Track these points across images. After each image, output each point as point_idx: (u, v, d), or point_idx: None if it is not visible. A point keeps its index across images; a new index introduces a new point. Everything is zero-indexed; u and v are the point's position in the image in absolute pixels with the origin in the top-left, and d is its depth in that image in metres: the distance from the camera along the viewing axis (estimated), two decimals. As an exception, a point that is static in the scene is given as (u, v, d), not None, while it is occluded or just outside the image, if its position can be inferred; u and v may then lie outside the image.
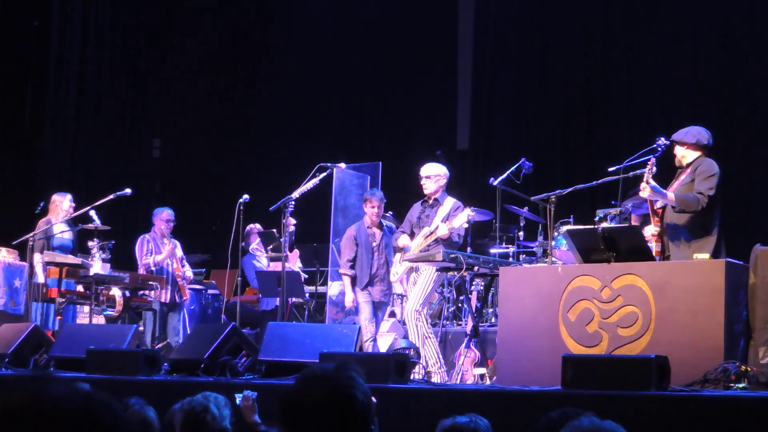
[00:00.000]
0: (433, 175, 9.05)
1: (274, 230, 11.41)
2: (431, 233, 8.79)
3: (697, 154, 7.39)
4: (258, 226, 11.79)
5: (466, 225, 8.75)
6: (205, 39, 16.38)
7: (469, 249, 10.76)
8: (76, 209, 10.80)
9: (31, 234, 10.38)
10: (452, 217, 8.79)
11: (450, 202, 9.00)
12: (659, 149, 7.66)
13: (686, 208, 7.12)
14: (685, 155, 7.42)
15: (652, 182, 7.14)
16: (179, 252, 10.98)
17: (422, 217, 9.07)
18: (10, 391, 1.40)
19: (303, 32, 15.69)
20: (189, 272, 11.13)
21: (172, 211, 11.07)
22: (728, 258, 6.77)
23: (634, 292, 6.53)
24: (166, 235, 10.90)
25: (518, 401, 5.78)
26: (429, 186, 9.04)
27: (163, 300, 10.73)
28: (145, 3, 16.16)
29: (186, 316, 11.11)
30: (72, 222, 10.85)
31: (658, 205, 7.37)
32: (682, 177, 7.38)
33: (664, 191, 7.18)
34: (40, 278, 10.33)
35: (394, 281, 9.30)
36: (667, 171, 7.69)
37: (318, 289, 11.95)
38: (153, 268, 10.79)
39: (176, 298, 10.84)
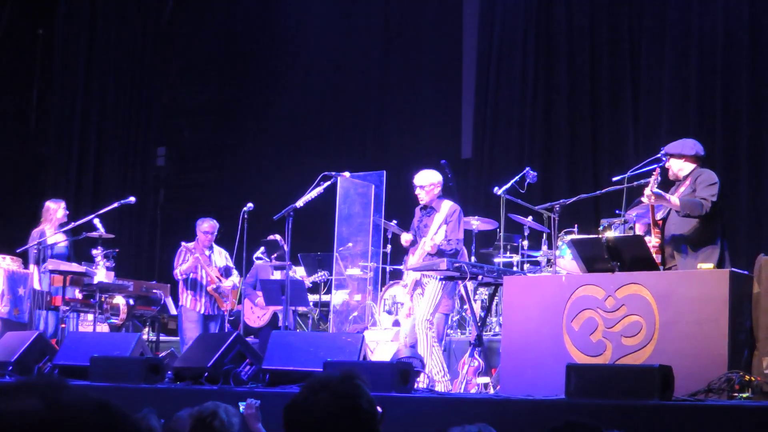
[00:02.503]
0: (426, 184, 8.98)
1: (279, 239, 11.41)
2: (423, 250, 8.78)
3: (694, 165, 7.44)
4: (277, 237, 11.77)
5: (452, 236, 8.69)
6: (209, 48, 16.42)
7: (473, 258, 10.75)
8: (80, 217, 10.81)
9: (36, 242, 10.40)
10: (447, 223, 8.79)
11: (446, 207, 8.93)
12: (663, 159, 7.66)
13: (691, 212, 7.13)
14: (682, 168, 7.45)
15: (657, 190, 7.16)
16: (220, 262, 10.85)
17: (420, 226, 9.05)
18: (22, 398, 1.39)
19: (307, 41, 15.71)
20: (228, 283, 10.81)
21: (214, 222, 10.83)
22: (732, 267, 6.79)
23: (638, 301, 6.54)
24: (206, 245, 10.78)
25: (522, 410, 5.78)
26: (423, 196, 9.01)
27: (200, 311, 10.61)
28: (149, 12, 16.20)
29: (223, 326, 10.94)
30: (70, 231, 10.84)
31: (659, 216, 7.38)
32: (682, 189, 7.39)
33: (668, 196, 7.19)
34: (36, 286, 10.34)
35: (405, 292, 9.23)
36: (669, 182, 7.70)
37: (322, 298, 11.95)
38: (180, 278, 10.74)
39: (210, 309, 10.66)
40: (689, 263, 7.10)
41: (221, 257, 10.91)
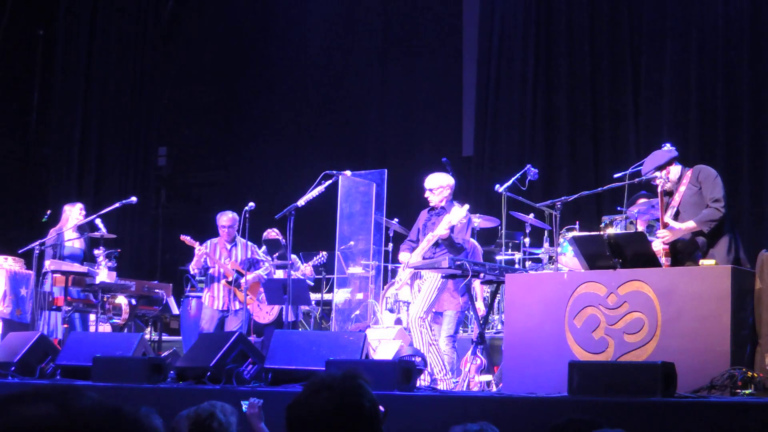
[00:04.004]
0: (436, 187, 8.93)
1: (281, 238, 11.40)
2: (434, 236, 8.73)
3: (680, 164, 7.48)
4: (276, 231, 11.70)
5: (460, 224, 8.67)
6: (209, 47, 16.43)
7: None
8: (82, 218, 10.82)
9: (38, 242, 10.40)
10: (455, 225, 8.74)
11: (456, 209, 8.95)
12: (656, 177, 7.64)
13: (711, 220, 7.16)
14: (676, 173, 7.46)
15: (671, 222, 7.20)
16: (242, 255, 10.71)
17: (428, 224, 9.02)
18: (35, 404, 1.40)
19: (308, 40, 15.71)
20: (249, 276, 10.56)
21: (232, 215, 10.68)
22: (743, 257, 6.84)
23: (640, 298, 6.53)
24: (227, 239, 10.66)
25: (524, 408, 5.78)
26: (433, 199, 8.95)
27: (217, 307, 10.49)
28: (149, 12, 16.20)
29: (242, 322, 10.60)
30: (80, 231, 10.85)
31: (667, 217, 7.36)
32: (682, 189, 7.39)
33: (682, 227, 7.20)
34: (47, 288, 10.36)
35: (397, 289, 9.24)
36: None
37: (324, 297, 11.95)
38: (193, 272, 10.71)
39: (229, 304, 10.47)
40: (710, 257, 7.12)
41: (245, 250, 10.75)
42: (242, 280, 10.51)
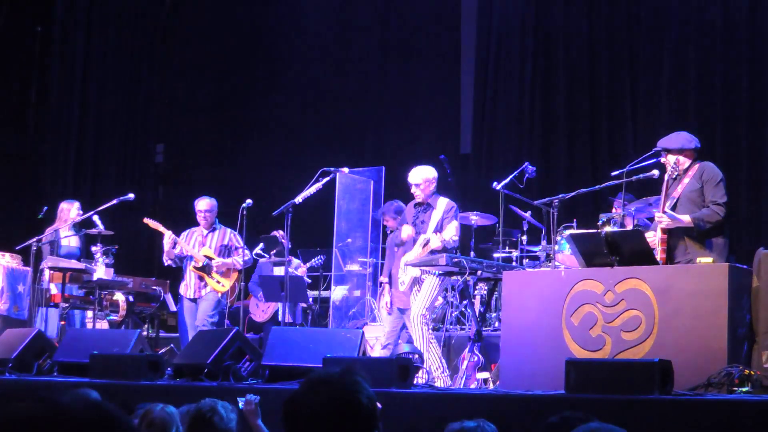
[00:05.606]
0: (422, 181, 8.90)
1: (278, 235, 11.40)
2: (426, 244, 8.69)
3: (693, 157, 7.44)
4: (281, 233, 11.62)
5: (456, 236, 8.70)
6: (207, 44, 16.41)
7: (472, 253, 10.75)
8: (80, 214, 10.82)
9: (35, 239, 10.39)
10: (444, 227, 8.71)
11: (443, 204, 8.87)
12: (662, 155, 7.65)
13: (707, 224, 7.14)
14: (684, 162, 7.44)
15: (669, 211, 7.18)
16: (216, 242, 10.30)
17: (417, 222, 8.99)
18: (19, 400, 1.41)
19: (305, 37, 15.70)
20: (219, 260, 10.17)
21: (208, 200, 10.43)
22: (733, 259, 6.82)
23: (638, 296, 6.54)
24: (205, 226, 10.34)
25: (521, 406, 5.78)
26: (419, 193, 8.93)
27: (188, 295, 10.19)
28: (147, 9, 16.19)
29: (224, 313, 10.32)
30: (77, 228, 10.84)
31: (667, 206, 7.36)
32: (686, 180, 7.38)
33: (681, 218, 7.18)
34: (46, 286, 10.37)
35: (402, 290, 9.20)
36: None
37: (321, 294, 11.96)
38: (167, 263, 10.39)
39: (199, 291, 10.13)
40: (702, 254, 7.12)
41: (222, 237, 10.38)
42: (212, 263, 10.16)
